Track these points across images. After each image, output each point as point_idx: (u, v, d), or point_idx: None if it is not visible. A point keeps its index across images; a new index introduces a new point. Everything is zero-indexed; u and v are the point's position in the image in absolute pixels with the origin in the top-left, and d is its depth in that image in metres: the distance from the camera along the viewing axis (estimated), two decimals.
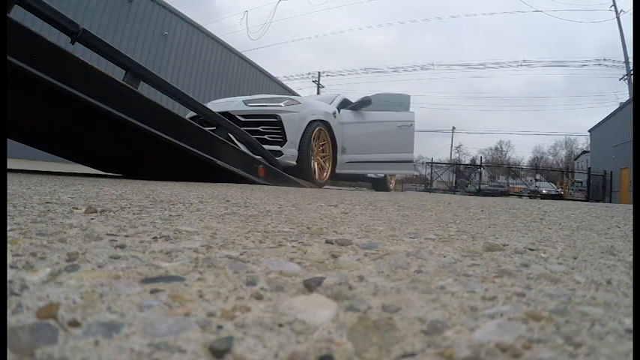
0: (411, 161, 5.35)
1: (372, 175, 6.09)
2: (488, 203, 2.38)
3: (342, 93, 5.51)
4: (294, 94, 19.13)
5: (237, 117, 3.81)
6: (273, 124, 3.85)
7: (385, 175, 6.52)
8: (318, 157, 4.36)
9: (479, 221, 1.22)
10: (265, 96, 4.53)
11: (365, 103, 5.04)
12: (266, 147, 3.61)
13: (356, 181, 7.72)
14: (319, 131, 4.25)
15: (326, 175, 4.49)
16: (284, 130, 3.82)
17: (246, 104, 4.07)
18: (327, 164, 4.50)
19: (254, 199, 1.53)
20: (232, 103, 4.17)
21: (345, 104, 5.10)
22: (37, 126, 2.64)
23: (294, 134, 3.87)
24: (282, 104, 4.02)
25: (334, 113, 4.63)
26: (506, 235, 0.93)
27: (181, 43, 14.63)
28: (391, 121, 5.25)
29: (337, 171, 4.67)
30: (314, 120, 4.12)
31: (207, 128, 2.87)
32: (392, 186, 7.18)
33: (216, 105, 4.02)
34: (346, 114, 4.97)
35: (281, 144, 3.80)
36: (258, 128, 3.80)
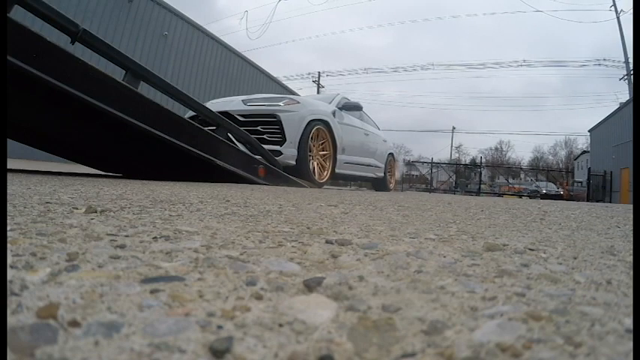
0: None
1: (372, 175, 6.14)
2: (488, 203, 2.38)
3: (341, 93, 5.53)
4: (293, 94, 19.12)
5: (236, 116, 3.78)
6: (272, 124, 3.81)
7: (385, 175, 6.58)
8: (318, 157, 4.32)
9: (479, 221, 1.22)
10: (264, 95, 4.51)
11: (358, 107, 5.26)
12: (265, 147, 3.57)
13: (356, 180, 7.69)
14: (319, 131, 4.22)
15: (326, 174, 4.45)
16: (283, 129, 3.79)
17: (245, 104, 4.04)
18: (327, 164, 4.47)
19: (254, 199, 1.53)
20: (231, 103, 4.14)
21: (344, 104, 5.12)
22: (37, 126, 2.64)
23: (293, 134, 3.84)
24: (281, 104, 3.98)
25: (334, 113, 4.60)
26: (506, 235, 0.93)
27: (181, 43, 14.63)
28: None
29: (337, 171, 4.65)
30: (313, 119, 4.09)
31: (206, 128, 2.86)
32: (392, 186, 7.19)
33: (215, 105, 4.00)
34: (346, 116, 4.99)
35: (280, 143, 3.77)
36: (257, 128, 3.77)
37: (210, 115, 2.99)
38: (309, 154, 4.04)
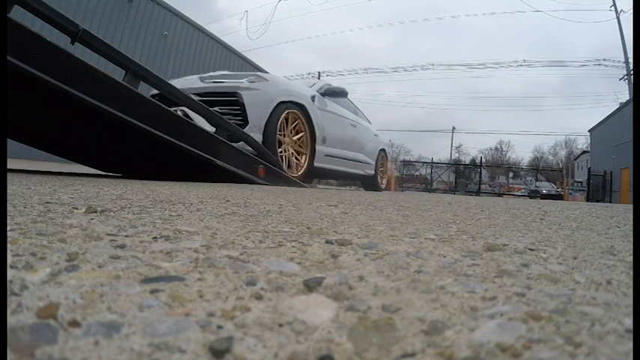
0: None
1: (361, 172, 5.41)
2: (488, 203, 2.38)
3: (325, 80, 5.11)
4: None
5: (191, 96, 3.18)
6: (233, 104, 3.25)
7: (376, 173, 5.92)
8: (291, 147, 3.71)
9: (479, 221, 1.22)
10: (227, 72, 4.03)
11: (343, 93, 4.73)
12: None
13: (342, 178, 6.57)
14: (292, 116, 3.61)
15: (302, 168, 3.81)
16: (245, 110, 3.20)
17: (202, 81, 3.55)
18: (304, 156, 3.86)
19: (254, 199, 1.53)
20: (188, 81, 3.65)
21: (327, 90, 4.51)
22: (37, 126, 2.64)
23: (257, 116, 3.25)
24: (244, 80, 3.42)
25: (313, 97, 3.98)
26: (506, 235, 0.93)
27: (181, 43, 14.65)
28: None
29: (316, 164, 4.01)
30: (285, 101, 3.47)
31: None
32: (384, 185, 6.44)
33: (175, 84, 3.45)
34: (330, 103, 4.45)
35: (241, 127, 3.17)
36: (215, 108, 3.13)
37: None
38: (281, 141, 3.46)
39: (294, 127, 3.74)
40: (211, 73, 3.92)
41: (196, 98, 2.97)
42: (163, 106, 2.50)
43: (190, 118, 2.74)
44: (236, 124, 3.12)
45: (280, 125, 3.45)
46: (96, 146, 2.96)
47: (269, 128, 3.31)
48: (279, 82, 3.68)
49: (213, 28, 17.99)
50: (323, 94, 4.37)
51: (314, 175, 4.31)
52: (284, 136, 3.58)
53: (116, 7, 12.07)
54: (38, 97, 2.14)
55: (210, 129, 2.83)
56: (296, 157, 3.81)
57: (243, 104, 3.24)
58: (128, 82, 2.33)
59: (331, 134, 4.26)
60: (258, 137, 3.29)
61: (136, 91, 2.35)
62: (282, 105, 3.44)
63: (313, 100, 3.97)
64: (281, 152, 3.54)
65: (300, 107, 3.71)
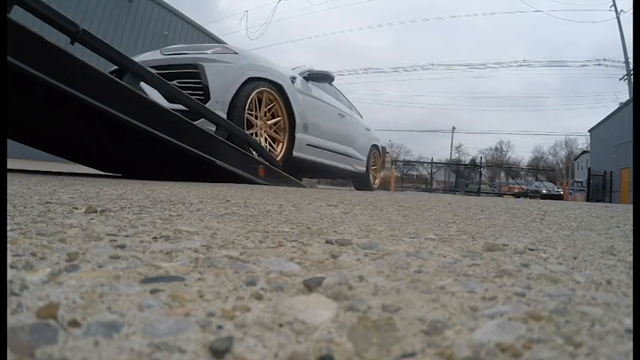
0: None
1: (350, 168, 4.95)
2: (488, 203, 2.38)
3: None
4: None
5: (149, 69, 2.79)
6: (193, 77, 2.87)
7: (368, 171, 5.49)
8: (265, 132, 3.29)
9: (479, 221, 1.22)
10: (195, 45, 3.67)
11: (328, 77, 4.29)
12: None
13: (330, 175, 5.94)
14: (266, 95, 3.19)
15: (277, 155, 3.41)
16: (207, 84, 2.81)
17: (162, 53, 3.21)
18: (280, 142, 3.47)
19: (254, 199, 1.53)
20: (148, 55, 3.30)
21: (310, 73, 4.09)
22: (37, 126, 2.64)
23: (221, 92, 2.84)
24: (208, 51, 3.06)
25: (294, 79, 3.59)
26: (507, 235, 0.93)
27: (181, 43, 14.65)
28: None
29: (295, 154, 3.59)
30: (257, 78, 3.07)
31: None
32: (377, 185, 6.04)
33: (138, 59, 3.07)
34: (315, 89, 4.06)
35: (202, 103, 2.77)
36: (173, 82, 2.74)
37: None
38: (251, 124, 3.07)
39: (270, 110, 3.34)
40: (174, 46, 3.56)
41: (154, 72, 2.65)
42: (163, 106, 2.50)
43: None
44: (198, 100, 2.74)
45: (250, 105, 3.04)
46: (96, 146, 2.95)
47: (235, 106, 2.89)
48: (251, 56, 3.22)
49: (213, 28, 18.03)
50: (307, 78, 3.96)
51: (293, 167, 3.75)
52: (256, 117, 3.16)
53: (116, 7, 12.09)
54: (38, 97, 2.14)
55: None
56: (270, 144, 3.40)
57: (205, 76, 2.85)
58: (128, 82, 2.33)
59: (315, 122, 3.86)
60: (221, 116, 2.89)
61: (136, 91, 2.34)
62: (253, 82, 3.04)
63: (293, 82, 3.56)
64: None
65: (277, 87, 3.29)
